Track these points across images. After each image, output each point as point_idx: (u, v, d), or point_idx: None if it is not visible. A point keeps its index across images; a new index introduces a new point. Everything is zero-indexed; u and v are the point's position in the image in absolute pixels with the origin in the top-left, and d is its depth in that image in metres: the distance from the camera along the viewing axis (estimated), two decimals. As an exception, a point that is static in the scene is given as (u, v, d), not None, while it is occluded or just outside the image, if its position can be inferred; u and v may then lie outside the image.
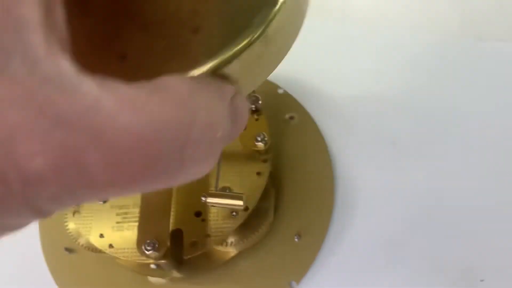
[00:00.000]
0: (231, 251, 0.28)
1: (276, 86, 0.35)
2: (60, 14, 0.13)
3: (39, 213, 0.11)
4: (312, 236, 0.29)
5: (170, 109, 0.13)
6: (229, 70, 0.17)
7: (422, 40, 0.37)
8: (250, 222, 0.27)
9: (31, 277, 0.31)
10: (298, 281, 0.28)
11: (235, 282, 0.28)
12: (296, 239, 0.29)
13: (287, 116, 0.33)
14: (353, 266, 0.28)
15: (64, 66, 0.12)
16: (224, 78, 0.17)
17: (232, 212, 0.26)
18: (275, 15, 0.17)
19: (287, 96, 0.34)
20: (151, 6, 0.18)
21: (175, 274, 0.28)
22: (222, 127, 0.15)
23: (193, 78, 0.15)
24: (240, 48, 0.16)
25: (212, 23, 0.17)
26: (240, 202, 0.25)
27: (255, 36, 0.17)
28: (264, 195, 0.27)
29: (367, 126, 0.33)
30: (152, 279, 0.29)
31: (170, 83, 0.14)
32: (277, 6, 0.17)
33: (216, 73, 0.16)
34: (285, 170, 0.30)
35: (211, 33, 0.17)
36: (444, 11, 0.38)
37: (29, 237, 0.31)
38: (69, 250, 0.30)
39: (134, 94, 0.12)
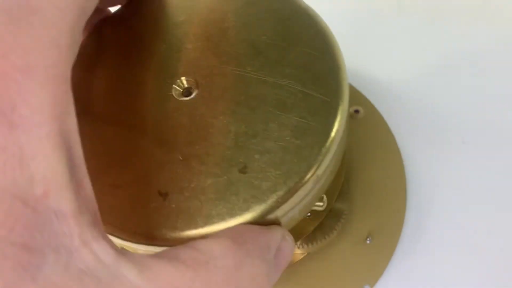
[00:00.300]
0: (300, 253, 0.27)
1: (338, 78, 0.33)
2: (88, 184, 0.12)
3: None
4: (385, 238, 0.27)
5: None
6: (278, 213, 0.16)
7: (486, 32, 0.35)
8: (323, 223, 0.26)
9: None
10: (372, 285, 0.26)
11: (303, 286, 0.27)
12: (368, 241, 0.27)
13: (351, 109, 0.31)
14: (429, 270, 0.27)
15: (101, 253, 0.11)
16: (272, 221, 0.16)
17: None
18: (324, 156, 0.17)
19: (350, 88, 0.32)
20: (191, 137, 0.17)
21: (242, 276, 0.26)
22: None
23: (240, 240, 0.15)
24: (291, 191, 0.16)
25: (260, 162, 0.16)
26: (320, 203, 0.23)
27: (306, 179, 0.16)
28: (339, 196, 0.26)
29: (435, 122, 0.31)
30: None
31: (216, 254, 0.13)
32: (325, 147, 0.17)
33: (264, 218, 0.16)
34: (354, 167, 0.29)
35: (260, 174, 0.16)
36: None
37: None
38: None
39: (176, 280, 0.12)
